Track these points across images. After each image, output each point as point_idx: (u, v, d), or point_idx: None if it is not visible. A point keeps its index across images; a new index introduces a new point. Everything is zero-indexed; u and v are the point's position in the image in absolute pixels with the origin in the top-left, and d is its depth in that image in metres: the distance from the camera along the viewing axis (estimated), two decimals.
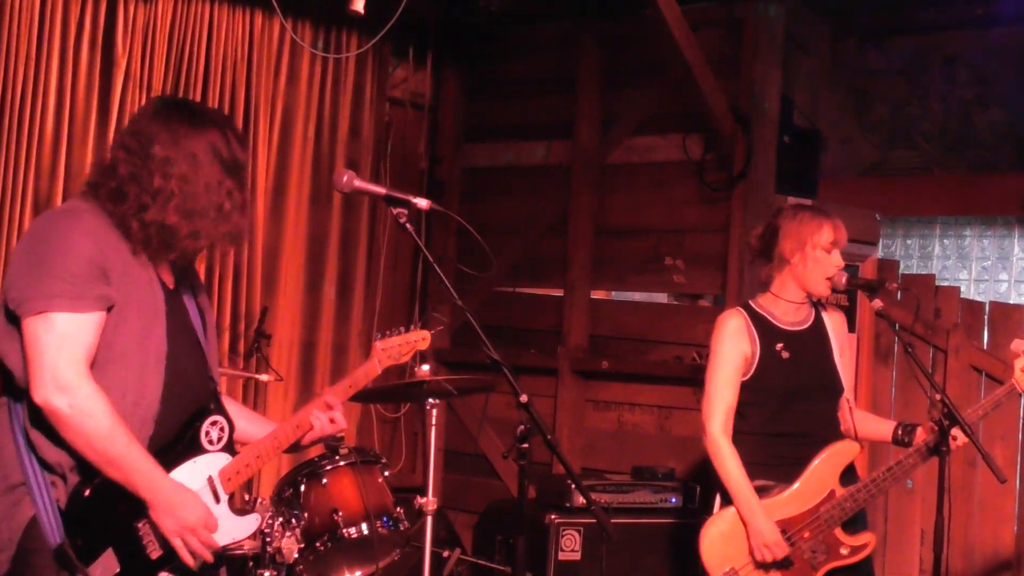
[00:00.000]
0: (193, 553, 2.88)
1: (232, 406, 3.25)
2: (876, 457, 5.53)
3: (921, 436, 4.09)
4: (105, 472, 2.77)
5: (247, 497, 4.28)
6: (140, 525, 2.84)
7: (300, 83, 6.08)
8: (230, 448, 3.04)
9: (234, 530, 3.01)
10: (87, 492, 2.78)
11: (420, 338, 3.56)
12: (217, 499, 2.97)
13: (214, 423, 3.00)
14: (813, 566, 4.05)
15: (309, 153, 6.14)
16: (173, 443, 2.93)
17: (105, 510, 2.80)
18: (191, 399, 2.98)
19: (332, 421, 3.25)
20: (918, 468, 4.10)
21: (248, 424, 3.25)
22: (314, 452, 4.89)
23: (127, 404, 2.82)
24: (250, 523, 3.07)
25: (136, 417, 2.83)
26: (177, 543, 2.85)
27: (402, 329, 3.55)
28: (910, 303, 5.44)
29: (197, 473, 2.95)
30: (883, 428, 4.29)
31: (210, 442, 2.99)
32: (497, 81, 6.78)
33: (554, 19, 6.46)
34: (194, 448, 2.96)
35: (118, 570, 2.81)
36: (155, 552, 2.86)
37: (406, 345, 3.52)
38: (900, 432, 4.19)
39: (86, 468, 2.78)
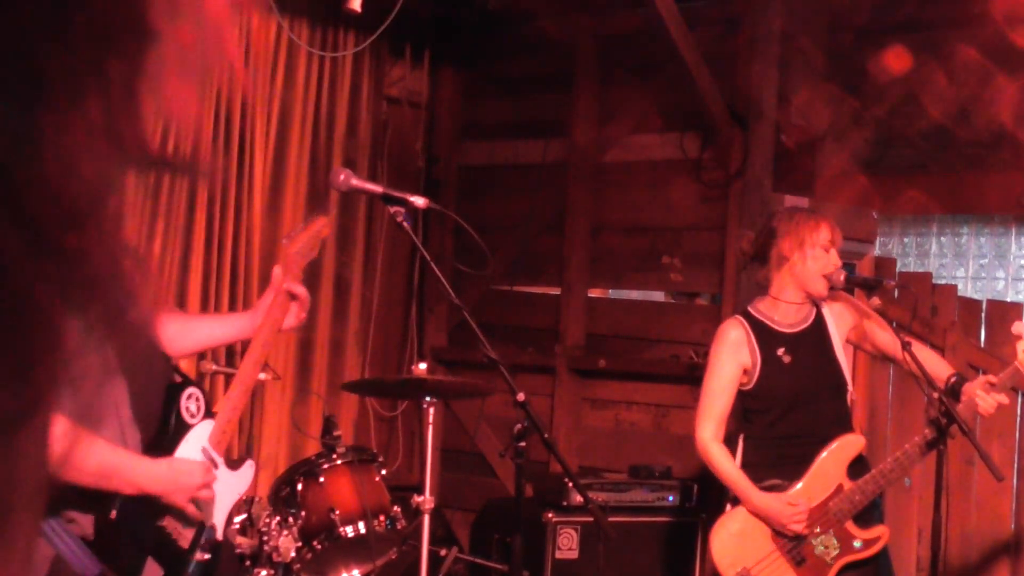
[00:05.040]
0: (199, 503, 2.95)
1: (193, 320, 3.34)
2: (874, 453, 5.52)
3: (967, 392, 3.98)
4: (103, 487, 2.76)
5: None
6: (164, 523, 2.90)
7: (297, 82, 6.07)
8: (209, 412, 3.09)
9: (237, 485, 3.11)
10: (113, 515, 2.81)
11: (322, 225, 3.46)
12: (216, 466, 3.04)
13: (190, 396, 3.04)
14: (827, 562, 4.05)
15: (306, 152, 6.13)
16: (162, 431, 2.97)
17: (131, 525, 2.84)
18: (149, 370, 2.98)
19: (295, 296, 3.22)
20: (923, 458, 4.09)
21: (219, 326, 3.33)
22: (311, 451, 4.90)
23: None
24: (247, 472, 3.16)
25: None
26: (192, 509, 2.92)
27: (302, 225, 3.45)
28: (907, 301, 5.43)
29: (193, 450, 3.01)
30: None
31: (191, 415, 3.03)
32: (494, 79, 6.78)
33: (551, 17, 6.46)
34: (182, 428, 3.01)
35: (163, 572, 2.89)
36: (185, 541, 2.93)
37: (315, 238, 3.41)
38: (953, 380, 4.03)
39: (93, 499, 2.78)
